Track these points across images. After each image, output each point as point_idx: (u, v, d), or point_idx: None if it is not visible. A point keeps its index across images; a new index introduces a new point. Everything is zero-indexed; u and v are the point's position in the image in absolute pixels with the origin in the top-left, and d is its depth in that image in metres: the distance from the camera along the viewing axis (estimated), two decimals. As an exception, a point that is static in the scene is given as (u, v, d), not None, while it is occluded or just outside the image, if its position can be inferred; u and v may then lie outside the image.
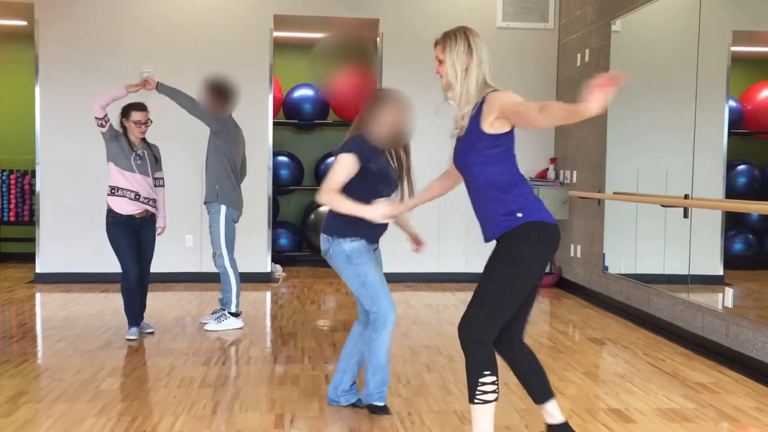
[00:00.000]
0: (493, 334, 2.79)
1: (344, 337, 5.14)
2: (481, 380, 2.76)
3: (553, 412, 2.93)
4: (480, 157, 2.75)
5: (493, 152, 2.74)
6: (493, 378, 2.77)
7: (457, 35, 2.87)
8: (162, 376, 4.15)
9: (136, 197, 5.00)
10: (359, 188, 3.32)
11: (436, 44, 2.94)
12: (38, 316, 5.93)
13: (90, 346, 4.83)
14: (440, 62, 2.89)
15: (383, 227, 3.37)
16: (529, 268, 2.75)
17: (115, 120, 5.08)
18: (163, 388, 3.93)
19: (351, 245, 3.36)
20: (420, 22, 7.57)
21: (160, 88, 5.26)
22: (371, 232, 3.37)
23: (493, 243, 2.83)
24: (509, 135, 2.76)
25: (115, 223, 5.00)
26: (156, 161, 5.20)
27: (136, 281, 5.04)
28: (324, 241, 3.43)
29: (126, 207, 4.98)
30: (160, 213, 5.21)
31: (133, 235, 5.05)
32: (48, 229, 7.29)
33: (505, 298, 2.76)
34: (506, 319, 2.80)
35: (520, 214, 2.72)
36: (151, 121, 5.15)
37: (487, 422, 2.80)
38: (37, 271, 7.30)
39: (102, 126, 4.97)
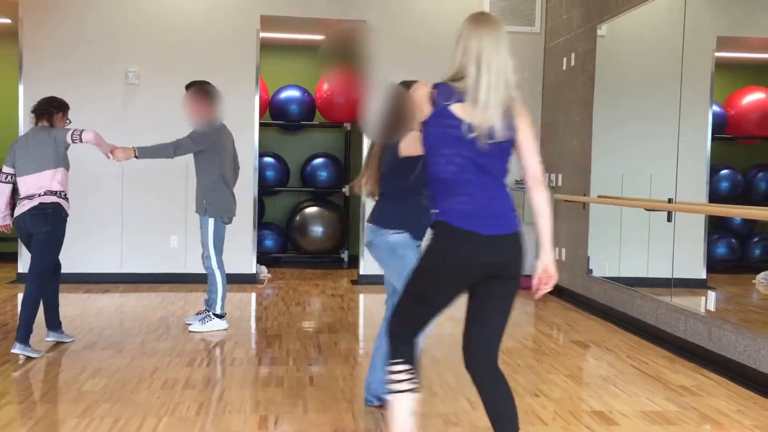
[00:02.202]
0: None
1: (329, 339, 5.14)
2: (389, 368, 2.62)
3: None
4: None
5: None
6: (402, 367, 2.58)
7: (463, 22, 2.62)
8: (145, 378, 4.12)
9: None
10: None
11: None
12: (20, 316, 5.87)
13: (72, 346, 4.79)
14: None
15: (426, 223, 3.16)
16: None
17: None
18: (146, 389, 3.91)
19: (395, 237, 3.39)
20: (407, 23, 7.58)
21: (140, 153, 5.02)
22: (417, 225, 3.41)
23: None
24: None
25: (65, 220, 4.67)
26: None
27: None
28: (369, 231, 3.48)
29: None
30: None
31: None
32: (31, 229, 7.22)
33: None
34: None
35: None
36: None
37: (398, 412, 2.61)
38: (20, 270, 7.22)
39: (75, 142, 4.65)
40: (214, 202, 5.28)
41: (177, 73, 7.18)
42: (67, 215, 4.66)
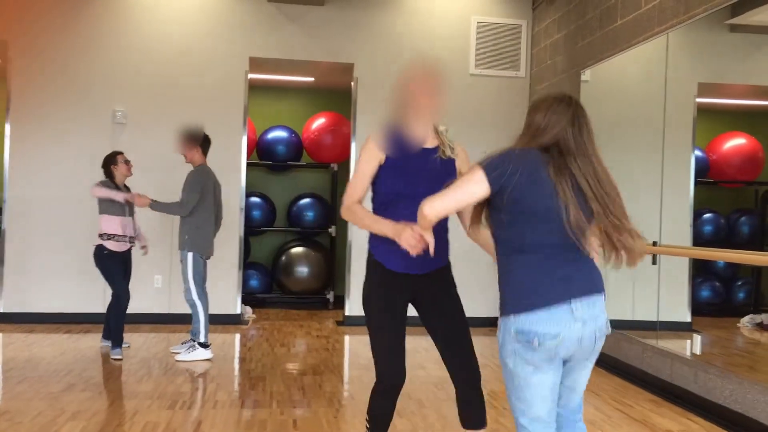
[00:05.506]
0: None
1: (314, 381, 5.07)
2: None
3: None
4: None
5: None
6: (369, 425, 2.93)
7: None
8: (125, 421, 4.04)
9: (130, 240, 5.75)
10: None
11: None
12: (-1, 356, 5.78)
13: (52, 388, 4.70)
14: None
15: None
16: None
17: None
18: (126, 432, 3.84)
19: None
20: (394, 66, 7.66)
21: (153, 205, 5.64)
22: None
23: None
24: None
25: (109, 256, 5.60)
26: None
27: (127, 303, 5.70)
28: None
29: (121, 247, 5.67)
30: (142, 240, 5.99)
31: (122, 265, 5.72)
32: (12, 268, 7.15)
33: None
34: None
35: None
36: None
37: None
38: (1, 310, 7.13)
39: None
40: (194, 238, 5.62)
41: (164, 112, 7.22)
42: (107, 252, 5.57)
